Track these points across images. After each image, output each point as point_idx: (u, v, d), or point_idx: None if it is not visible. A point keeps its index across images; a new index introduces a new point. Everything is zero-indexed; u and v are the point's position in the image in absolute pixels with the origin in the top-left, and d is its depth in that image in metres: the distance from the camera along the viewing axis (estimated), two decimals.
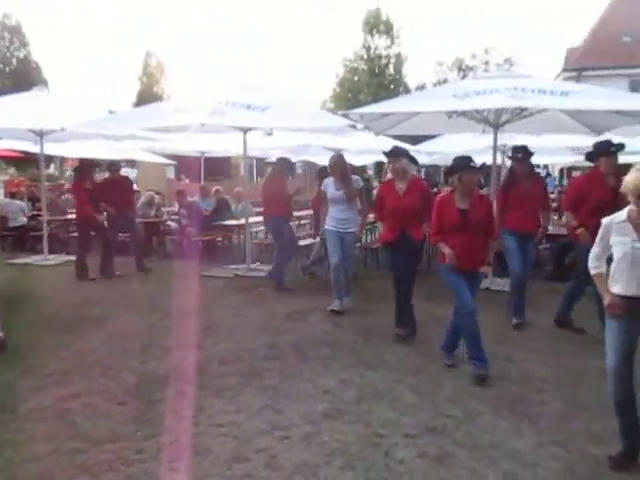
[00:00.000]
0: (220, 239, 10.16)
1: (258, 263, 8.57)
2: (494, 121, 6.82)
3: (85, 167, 8.14)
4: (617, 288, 2.84)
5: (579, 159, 13.53)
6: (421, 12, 67.73)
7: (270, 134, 10.51)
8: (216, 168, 17.80)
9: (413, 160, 5.22)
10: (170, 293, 6.45)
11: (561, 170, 24.58)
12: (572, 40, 35.56)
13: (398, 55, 33.32)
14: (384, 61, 33.19)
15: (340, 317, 5.64)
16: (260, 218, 10.49)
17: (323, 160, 14.02)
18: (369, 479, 2.77)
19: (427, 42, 68.14)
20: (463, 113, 6.65)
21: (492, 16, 59.81)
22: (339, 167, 5.89)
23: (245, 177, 10.08)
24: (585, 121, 7.01)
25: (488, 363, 4.07)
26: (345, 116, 6.99)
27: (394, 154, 5.10)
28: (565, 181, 22.24)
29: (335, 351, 4.63)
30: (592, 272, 3.01)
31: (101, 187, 8.18)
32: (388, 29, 32.86)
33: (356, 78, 32.99)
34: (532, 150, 5.68)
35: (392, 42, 33.02)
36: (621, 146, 4.94)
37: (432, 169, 23.56)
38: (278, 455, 2.99)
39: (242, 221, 8.81)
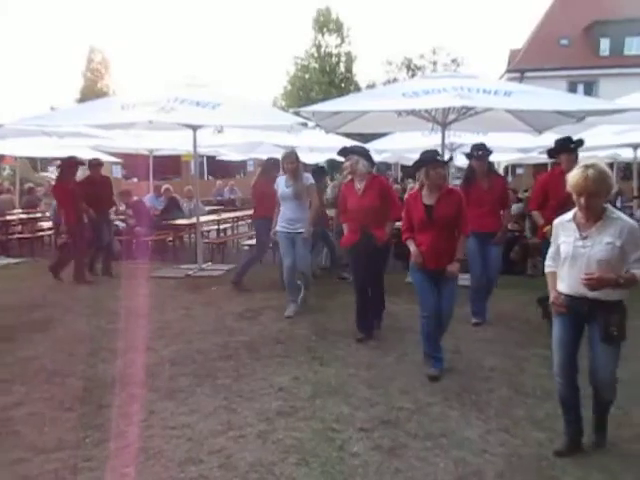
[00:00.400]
0: (171, 239, 9.96)
1: (210, 263, 8.47)
2: (442, 120, 6.98)
3: (69, 166, 7.56)
4: (563, 287, 2.88)
5: (522, 156, 14.15)
6: (370, 12, 68.41)
7: (221, 131, 10.39)
8: (165, 166, 17.43)
9: (367, 158, 5.03)
10: (119, 295, 6.27)
11: (506, 168, 25.44)
12: (515, 42, 36.90)
13: (348, 54, 33.61)
14: (335, 59, 33.41)
15: (294, 314, 5.65)
16: (211, 217, 10.43)
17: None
18: (324, 474, 2.79)
19: (377, 41, 68.90)
20: (412, 112, 6.78)
21: (439, 17, 61.28)
22: (290, 163, 5.69)
23: (196, 175, 9.87)
24: (528, 120, 7.28)
25: (442, 363, 4.09)
26: (296, 114, 6.98)
27: (347, 153, 5.02)
28: (510, 178, 23.06)
29: (289, 348, 4.64)
30: (545, 270, 3.06)
31: (82, 187, 7.70)
32: (338, 28, 33.10)
33: (307, 76, 33.05)
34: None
35: (342, 41, 33.30)
36: (580, 142, 5.01)
37: (383, 166, 23.92)
38: (233, 455, 2.97)
39: (193, 220, 8.67)
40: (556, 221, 2.97)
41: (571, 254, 2.79)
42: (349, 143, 11.53)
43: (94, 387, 3.85)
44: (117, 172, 18.14)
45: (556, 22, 32.57)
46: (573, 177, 2.72)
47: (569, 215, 2.88)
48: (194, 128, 7.69)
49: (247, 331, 5.12)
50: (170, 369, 4.20)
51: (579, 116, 6.49)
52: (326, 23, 32.92)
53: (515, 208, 9.14)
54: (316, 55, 33.38)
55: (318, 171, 8.12)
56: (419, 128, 7.70)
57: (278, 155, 9.43)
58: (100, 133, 8.98)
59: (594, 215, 2.75)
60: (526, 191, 11.68)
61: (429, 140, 8.15)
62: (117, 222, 10.39)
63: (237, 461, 2.91)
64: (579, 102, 7.21)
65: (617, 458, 2.90)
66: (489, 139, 9.97)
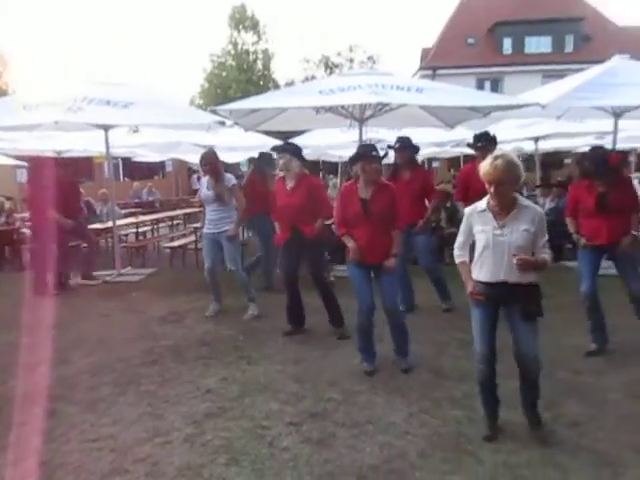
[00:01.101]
0: (85, 244, 9.47)
1: (129, 268, 8.17)
2: (359, 116, 7.12)
3: (42, 166, 6.88)
4: (482, 275, 2.98)
5: (437, 150, 14.75)
6: (287, 9, 68.51)
7: (136, 131, 10.03)
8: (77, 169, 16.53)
9: (299, 157, 5.05)
10: (29, 307, 5.90)
11: (422, 161, 26.43)
12: (426, 41, 38.37)
13: (266, 51, 33.47)
14: (252, 57, 33.14)
15: (220, 315, 5.59)
16: (129, 220, 10.05)
17: (193, 158, 13.71)
18: (254, 471, 2.80)
19: (294, 39, 69.06)
20: (330, 109, 6.87)
21: (355, 15, 62.46)
22: (209, 163, 5.61)
23: (110, 178, 9.45)
24: (440, 115, 7.61)
25: (375, 357, 4.15)
26: (214, 112, 6.87)
27: (280, 150, 5.05)
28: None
29: (216, 350, 4.59)
30: (456, 260, 3.15)
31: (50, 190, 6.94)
32: (254, 25, 32.85)
33: (224, 74, 32.55)
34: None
35: (259, 38, 33.09)
36: (485, 136, 5.40)
37: (308, 163, 24.06)
38: (160, 462, 2.90)
39: (109, 224, 8.31)
40: (467, 211, 3.08)
41: (491, 243, 2.90)
42: (269, 141, 11.53)
43: (5, 405, 3.60)
44: (21, 176, 16.92)
45: (463, 22, 34.25)
46: (484, 167, 2.88)
47: (482, 205, 2.99)
48: (105, 128, 7.37)
49: (171, 335, 5.00)
50: (90, 380, 4.03)
51: (486, 111, 6.88)
52: (242, 20, 32.57)
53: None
54: (233, 52, 32.95)
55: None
56: (337, 125, 7.82)
57: (197, 155, 9.26)
58: (1, 135, 8.38)
59: (507, 203, 2.89)
60: (439, 184, 12.19)
61: (348, 136, 8.33)
62: (23, 229, 9.75)
63: (164, 467, 2.85)
64: (485, 98, 7.62)
65: (526, 428, 3.13)
66: (405, 134, 10.36)
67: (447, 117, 7.56)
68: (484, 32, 33.73)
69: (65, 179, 7.07)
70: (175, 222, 12.62)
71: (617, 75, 6.36)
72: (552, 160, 19.25)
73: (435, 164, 25.93)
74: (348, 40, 38.05)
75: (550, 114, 7.58)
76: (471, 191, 5.08)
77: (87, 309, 6.05)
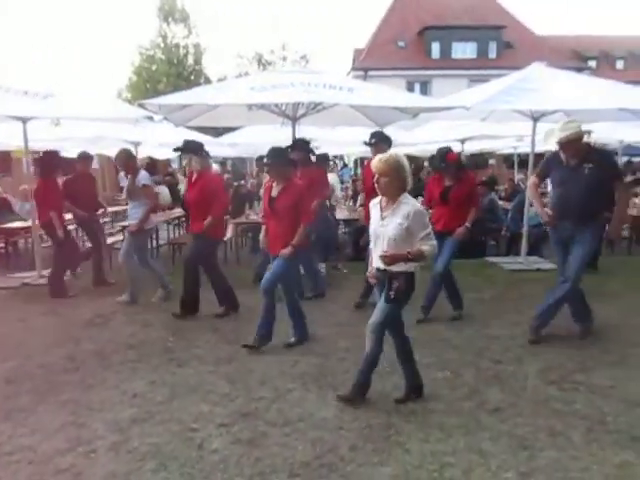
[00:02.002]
0: (2, 244, 8.88)
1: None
2: (292, 114, 7.11)
3: (54, 159, 6.57)
4: (374, 262, 3.38)
5: (369, 149, 14.96)
6: (220, 4, 67.23)
7: (57, 124, 9.50)
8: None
9: (200, 154, 5.25)
10: None
11: (355, 160, 26.89)
12: (359, 42, 38.94)
13: (197, 45, 32.70)
14: (183, 51, 32.28)
15: (149, 316, 5.41)
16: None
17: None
18: (183, 475, 2.73)
19: (227, 35, 67.96)
20: (262, 106, 6.82)
21: (289, 14, 62.35)
22: (121, 164, 5.99)
23: (31, 173, 8.87)
24: (371, 115, 7.74)
25: (264, 337, 4.41)
26: (142, 106, 6.63)
27: (179, 150, 5.33)
28: (359, 170, 24.40)
29: (144, 352, 4.43)
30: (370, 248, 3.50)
31: (70, 184, 6.78)
32: (184, 18, 32.00)
33: (154, 67, 31.51)
34: (308, 140, 6.41)
35: (190, 32, 32.28)
36: (379, 134, 5.66)
37: (238, 161, 23.82)
38: (83, 472, 2.77)
39: (29, 223, 7.82)
40: (371, 203, 3.47)
41: (375, 233, 3.32)
42: (201, 137, 11.28)
43: None
44: None
45: (393, 25, 35.11)
46: (373, 161, 3.29)
47: (377, 199, 3.39)
48: (24, 120, 6.92)
49: (96, 338, 4.78)
50: (5, 388, 3.77)
51: (414, 112, 7.08)
52: (171, 12, 31.63)
53: (361, 198, 9.72)
54: (162, 45, 31.93)
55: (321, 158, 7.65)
56: (271, 122, 7.77)
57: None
58: None
59: (390, 198, 3.26)
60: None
61: (281, 134, 8.29)
62: None
63: (88, 477, 2.72)
64: (414, 100, 7.84)
65: (452, 416, 3.25)
66: (338, 133, 10.48)
67: (378, 117, 7.70)
68: (414, 36, 34.74)
69: (86, 172, 7.23)
70: (102, 220, 12.08)
71: (535, 81, 6.74)
72: (478, 161, 20.14)
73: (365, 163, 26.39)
74: (281, 38, 38.00)
75: (475, 116, 7.92)
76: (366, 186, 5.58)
77: (3, 312, 5.67)
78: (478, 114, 7.74)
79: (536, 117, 7.53)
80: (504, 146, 13.72)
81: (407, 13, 35.69)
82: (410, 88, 30.75)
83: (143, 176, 5.84)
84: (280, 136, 8.29)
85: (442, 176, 5.22)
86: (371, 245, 3.45)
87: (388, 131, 8.67)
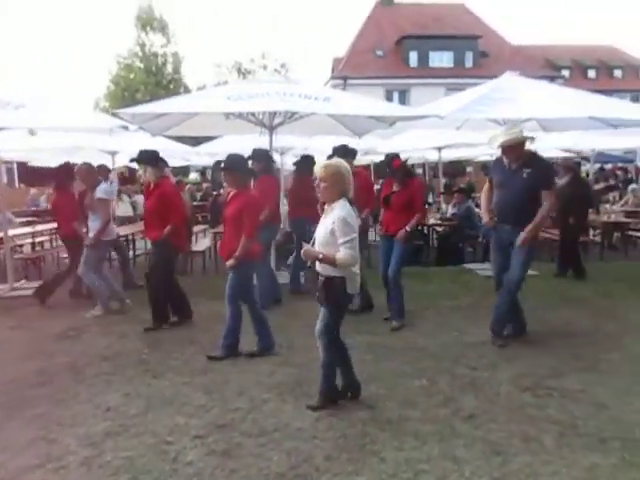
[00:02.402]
0: None
1: (24, 281, 7.60)
2: (269, 123, 7.13)
3: (70, 171, 6.48)
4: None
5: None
6: (198, 13, 67.19)
7: (34, 134, 9.36)
8: None
9: (150, 163, 5.27)
10: None
11: None
12: (338, 51, 39.22)
13: (175, 54, 32.69)
14: (161, 60, 32.20)
15: (124, 327, 5.33)
16: (24, 229, 9.36)
17: (97, 163, 13.03)
18: None
19: (207, 44, 67.93)
20: (240, 115, 6.83)
21: (268, 23, 62.53)
22: (81, 175, 5.98)
23: (3, 184, 8.74)
24: (348, 125, 7.80)
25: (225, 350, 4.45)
26: (115, 115, 6.57)
27: (137, 160, 5.36)
28: None
29: (118, 365, 4.37)
30: None
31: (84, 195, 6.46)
32: (163, 27, 31.96)
33: (132, 76, 31.33)
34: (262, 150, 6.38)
35: (168, 41, 32.23)
36: (342, 148, 5.88)
37: (217, 170, 23.71)
38: None
39: (0, 234, 7.67)
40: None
41: (314, 238, 3.45)
42: (178, 146, 11.23)
43: None
44: None
45: (372, 35, 35.52)
46: (315, 167, 3.44)
47: None
48: None
49: (69, 352, 4.70)
50: None
51: (390, 121, 7.15)
52: (149, 21, 31.55)
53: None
54: (140, 54, 31.83)
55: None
56: (249, 131, 7.77)
57: (101, 160, 8.81)
58: None
59: (329, 203, 3.38)
60: None
61: (259, 143, 8.29)
62: None
63: None
64: (389, 109, 7.92)
65: (427, 424, 3.27)
66: (315, 142, 10.52)
67: (355, 126, 7.76)
68: (392, 45, 35.17)
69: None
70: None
71: (508, 90, 6.86)
72: (455, 168, 20.40)
73: None
74: (261, 47, 38.15)
75: (450, 125, 8.03)
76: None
77: None
78: (453, 123, 7.84)
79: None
80: (480, 154, 13.91)
81: (385, 22, 36.16)
82: (389, 97, 31.10)
83: (100, 189, 5.86)
84: (259, 145, 8.30)
85: (391, 181, 5.44)
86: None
87: (366, 140, 8.79)
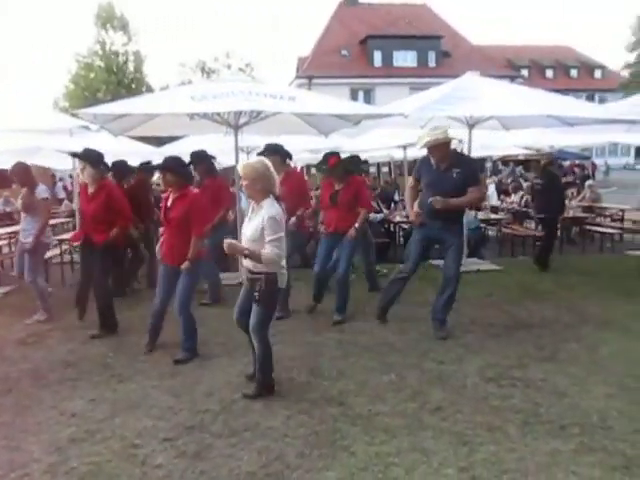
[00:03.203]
0: None
1: None
2: (234, 123, 7.09)
3: (123, 168, 6.57)
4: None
5: (314, 157, 15.11)
6: (160, 12, 66.14)
7: None
8: None
9: (91, 162, 5.09)
10: None
11: (301, 168, 26.97)
12: (303, 50, 39.17)
13: (137, 53, 32.02)
14: (122, 58, 31.52)
15: (87, 333, 5.19)
16: None
17: (58, 164, 12.72)
18: None
19: (169, 42, 66.86)
20: (204, 115, 6.76)
21: (232, 22, 62.02)
22: (17, 175, 5.70)
23: None
24: (314, 124, 7.82)
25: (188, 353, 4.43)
26: (76, 116, 6.42)
27: (79, 156, 5.22)
28: (306, 177, 24.52)
29: (83, 370, 4.27)
30: None
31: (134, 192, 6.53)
32: (124, 25, 31.27)
33: (92, 75, 30.57)
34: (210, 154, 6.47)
35: (129, 39, 31.56)
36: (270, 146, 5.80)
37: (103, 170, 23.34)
38: None
39: None
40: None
41: (242, 232, 3.58)
42: (141, 147, 11.04)
43: None
44: None
45: (336, 34, 35.65)
46: (238, 165, 3.54)
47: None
48: None
49: (30, 358, 4.56)
50: None
51: (356, 120, 7.20)
52: (109, 19, 30.83)
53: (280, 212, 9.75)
54: (101, 53, 31.07)
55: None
56: (214, 131, 7.71)
57: (61, 161, 8.55)
58: None
59: (255, 201, 3.52)
60: (317, 189, 12.52)
61: (224, 143, 8.24)
62: None
63: None
64: (354, 107, 7.98)
65: (397, 418, 3.32)
66: (282, 141, 10.48)
67: (321, 125, 7.78)
68: (356, 45, 35.39)
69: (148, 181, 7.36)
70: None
71: (469, 89, 7.02)
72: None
73: (313, 171, 26.59)
74: (225, 46, 37.80)
75: (415, 124, 8.15)
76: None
77: None
78: (417, 122, 7.96)
79: (471, 124, 7.83)
80: None
81: (349, 22, 36.35)
82: (354, 96, 31.28)
83: (42, 190, 5.68)
84: (223, 145, 8.24)
85: (332, 180, 5.46)
86: None
87: (332, 138, 8.83)
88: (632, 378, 3.81)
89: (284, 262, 3.52)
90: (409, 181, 5.36)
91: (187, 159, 11.36)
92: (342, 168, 5.38)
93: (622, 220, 10.70)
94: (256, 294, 3.47)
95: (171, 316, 5.33)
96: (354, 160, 6.81)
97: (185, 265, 4.31)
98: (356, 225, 5.28)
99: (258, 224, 3.41)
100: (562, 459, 2.83)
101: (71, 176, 19.32)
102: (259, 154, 5.41)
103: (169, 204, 4.44)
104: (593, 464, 2.77)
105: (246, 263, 3.54)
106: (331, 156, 5.39)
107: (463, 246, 4.89)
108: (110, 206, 5.05)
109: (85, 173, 5.11)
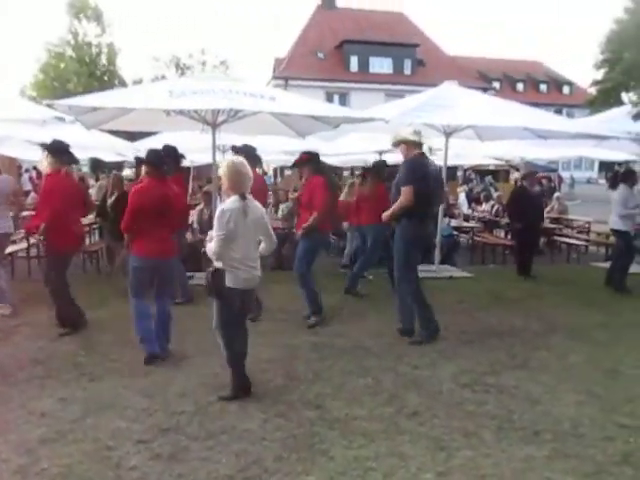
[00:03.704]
0: None
1: None
2: (212, 121, 7.01)
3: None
4: None
5: (291, 158, 15.09)
6: (135, 5, 64.96)
7: None
8: None
9: (55, 152, 5.06)
10: None
11: (275, 169, 26.92)
12: (279, 51, 39.08)
13: (111, 45, 31.32)
14: (95, 50, 30.78)
15: (56, 330, 5.05)
16: None
17: (26, 154, 12.34)
18: None
19: (143, 36, 65.72)
20: (181, 111, 6.66)
21: (208, 19, 61.38)
22: None
23: None
24: (292, 125, 7.80)
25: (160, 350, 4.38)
26: (50, 106, 6.23)
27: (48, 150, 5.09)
28: (279, 179, 24.47)
29: (52, 368, 4.14)
30: None
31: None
32: (98, 16, 30.53)
33: (62, 65, 29.76)
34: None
35: (103, 30, 30.85)
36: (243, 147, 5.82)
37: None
38: None
39: None
40: None
41: None
42: (114, 140, 10.82)
43: None
44: None
45: (313, 37, 35.72)
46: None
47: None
48: None
49: None
50: None
51: (335, 123, 7.21)
52: (83, 9, 30.07)
53: (285, 207, 9.76)
54: (73, 43, 30.28)
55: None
56: (190, 128, 7.61)
57: (29, 152, 8.31)
58: None
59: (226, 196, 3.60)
60: (295, 191, 12.50)
61: (200, 141, 8.14)
62: None
63: None
64: (335, 110, 8.01)
65: (374, 422, 3.34)
66: (259, 141, 10.43)
67: (299, 127, 7.77)
68: (332, 48, 35.51)
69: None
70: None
71: (448, 99, 7.13)
72: (394, 172, 20.86)
73: (288, 172, 26.54)
74: (200, 42, 37.38)
75: (392, 130, 8.21)
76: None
77: None
78: (395, 128, 8.04)
79: (448, 132, 7.95)
80: None
81: (327, 25, 36.47)
82: (329, 99, 31.34)
83: (4, 179, 5.76)
84: (199, 143, 8.14)
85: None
86: None
87: (309, 141, 8.83)
88: (600, 386, 3.93)
89: (239, 262, 3.50)
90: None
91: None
92: (309, 167, 5.51)
93: (588, 232, 11.03)
94: (209, 289, 3.56)
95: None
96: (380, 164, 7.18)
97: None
98: (304, 226, 5.39)
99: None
100: (536, 465, 2.89)
101: (35, 167, 18.80)
102: (236, 152, 5.46)
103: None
104: (566, 470, 2.83)
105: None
106: (305, 153, 5.54)
107: (403, 251, 4.98)
108: (42, 195, 5.10)
109: (46, 161, 5.10)
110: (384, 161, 7.42)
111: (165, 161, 4.53)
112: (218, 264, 3.51)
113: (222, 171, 3.54)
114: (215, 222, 3.45)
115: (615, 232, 7.42)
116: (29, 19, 58.93)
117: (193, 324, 5.03)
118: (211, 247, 3.47)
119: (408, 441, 3.11)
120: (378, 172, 7.28)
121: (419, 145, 4.97)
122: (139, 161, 5.84)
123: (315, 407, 3.53)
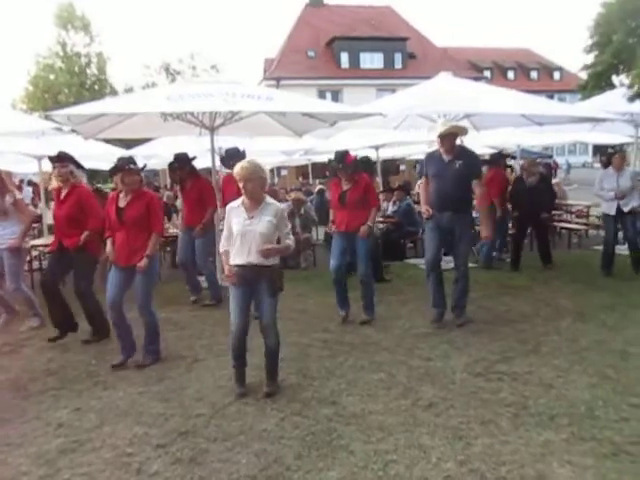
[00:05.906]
0: None
1: None
2: (209, 124, 7.01)
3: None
4: (237, 260, 3.63)
5: (287, 159, 15.11)
6: (123, 13, 64.83)
7: None
8: None
9: (79, 167, 5.16)
10: None
11: (272, 170, 26.94)
12: (269, 52, 39.02)
13: (100, 54, 31.26)
14: (84, 60, 30.73)
15: (66, 340, 5.05)
16: None
17: (23, 168, 12.31)
18: None
19: (132, 44, 65.57)
20: (178, 116, 6.66)
21: (197, 22, 61.26)
22: None
23: None
24: (289, 125, 7.80)
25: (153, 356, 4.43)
26: (48, 118, 6.23)
27: (54, 160, 5.06)
28: (276, 179, 24.50)
29: (65, 379, 4.15)
30: (221, 250, 3.83)
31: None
32: (85, 25, 30.47)
33: (52, 77, 29.69)
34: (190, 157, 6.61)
35: (92, 40, 30.79)
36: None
37: (149, 174, 23.01)
38: None
39: None
40: (228, 207, 3.76)
41: (241, 231, 3.57)
42: (111, 149, 10.81)
43: None
44: None
45: (303, 35, 35.67)
46: (235, 169, 3.59)
47: (238, 202, 3.69)
48: None
49: (8, 368, 4.40)
50: None
51: (332, 120, 7.22)
52: (70, 19, 29.98)
53: (286, 207, 9.76)
54: (62, 54, 30.21)
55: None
56: (187, 132, 7.61)
57: (27, 165, 8.29)
58: None
59: (256, 200, 3.60)
60: (292, 191, 12.53)
61: (199, 144, 8.14)
62: None
63: None
64: (333, 106, 8.02)
65: (390, 415, 3.35)
66: (256, 143, 10.47)
67: (296, 126, 7.77)
68: (323, 46, 35.47)
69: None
70: None
71: (444, 89, 7.12)
72: (390, 166, 20.89)
73: (284, 172, 26.57)
74: (189, 47, 37.32)
75: (387, 125, 8.23)
76: (227, 195, 5.88)
77: None
78: (390, 122, 8.04)
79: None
80: (414, 152, 14.32)
81: (316, 23, 36.40)
82: (322, 97, 31.25)
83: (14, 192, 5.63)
84: (197, 147, 8.14)
85: (339, 180, 5.43)
86: (228, 246, 3.72)
87: (305, 139, 8.85)
88: (612, 368, 3.94)
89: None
90: (422, 182, 5.62)
91: (158, 162, 11.14)
92: (354, 167, 5.38)
93: (587, 216, 11.05)
94: (275, 286, 3.64)
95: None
96: (364, 160, 6.96)
97: (141, 263, 4.27)
98: (369, 223, 5.27)
99: (271, 219, 3.58)
100: (555, 449, 2.90)
101: (30, 182, 18.72)
102: (230, 164, 5.56)
103: (122, 205, 4.40)
104: (585, 453, 2.85)
105: (248, 258, 3.58)
106: (348, 154, 5.38)
107: (472, 237, 5.15)
108: (82, 208, 4.99)
109: (68, 176, 4.99)
110: (367, 157, 7.42)
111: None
112: (272, 261, 3.64)
113: (264, 174, 3.59)
114: (285, 219, 3.73)
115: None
116: (17, 31, 58.81)
117: (202, 327, 5.05)
118: (291, 240, 3.72)
119: (426, 432, 3.12)
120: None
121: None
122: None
123: (331, 403, 3.54)
